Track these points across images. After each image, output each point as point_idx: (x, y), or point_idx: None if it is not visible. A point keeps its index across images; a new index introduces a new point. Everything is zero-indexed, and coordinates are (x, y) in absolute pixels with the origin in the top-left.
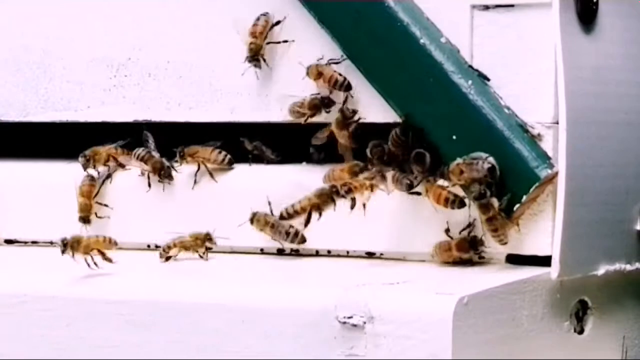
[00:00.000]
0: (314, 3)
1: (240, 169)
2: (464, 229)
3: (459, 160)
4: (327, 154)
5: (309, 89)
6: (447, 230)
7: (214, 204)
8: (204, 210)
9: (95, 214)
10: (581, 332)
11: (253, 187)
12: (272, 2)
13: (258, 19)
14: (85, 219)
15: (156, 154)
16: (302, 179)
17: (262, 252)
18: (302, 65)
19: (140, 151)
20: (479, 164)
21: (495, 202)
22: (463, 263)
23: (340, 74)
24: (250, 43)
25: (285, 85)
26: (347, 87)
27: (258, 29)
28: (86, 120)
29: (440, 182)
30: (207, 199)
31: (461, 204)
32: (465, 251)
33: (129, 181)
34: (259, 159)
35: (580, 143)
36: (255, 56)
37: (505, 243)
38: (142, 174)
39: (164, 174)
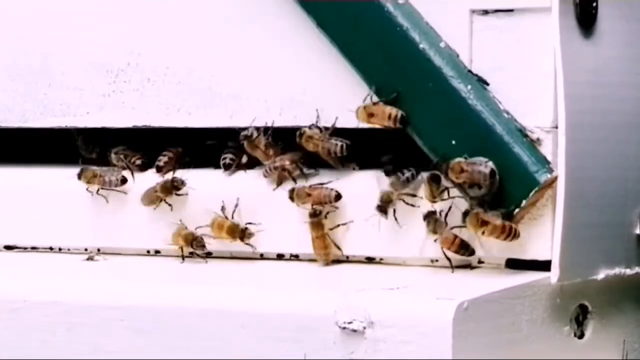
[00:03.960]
0: (313, 7)
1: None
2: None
3: (460, 158)
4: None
5: (309, 92)
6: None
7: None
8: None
9: None
10: (581, 336)
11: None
12: (271, 6)
13: None
14: None
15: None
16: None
17: (262, 257)
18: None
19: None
20: (481, 165)
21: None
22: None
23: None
24: None
25: (285, 89)
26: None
27: None
28: (85, 126)
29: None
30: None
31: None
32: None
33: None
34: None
35: (579, 147)
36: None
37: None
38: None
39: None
